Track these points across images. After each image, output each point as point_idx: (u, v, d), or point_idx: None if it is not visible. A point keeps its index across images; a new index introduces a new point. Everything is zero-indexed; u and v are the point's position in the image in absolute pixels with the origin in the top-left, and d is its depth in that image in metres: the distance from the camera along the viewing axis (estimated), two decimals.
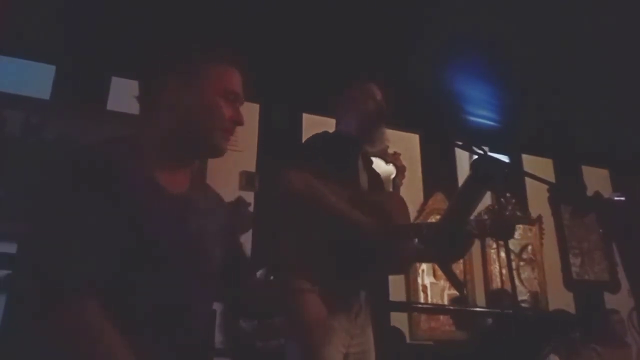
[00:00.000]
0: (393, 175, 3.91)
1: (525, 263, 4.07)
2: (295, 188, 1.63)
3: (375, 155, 3.71)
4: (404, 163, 3.95)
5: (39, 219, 0.90)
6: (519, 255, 4.05)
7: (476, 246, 3.90)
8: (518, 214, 4.16)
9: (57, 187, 0.92)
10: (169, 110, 1.05)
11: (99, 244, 0.86)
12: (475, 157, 1.52)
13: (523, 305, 3.79)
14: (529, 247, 4.14)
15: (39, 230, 0.89)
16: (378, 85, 1.91)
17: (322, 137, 1.84)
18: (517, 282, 3.86)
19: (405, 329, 3.47)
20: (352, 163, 1.85)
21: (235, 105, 1.09)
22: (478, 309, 3.70)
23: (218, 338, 2.86)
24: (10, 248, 1.18)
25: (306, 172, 1.65)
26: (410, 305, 3.59)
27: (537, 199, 4.30)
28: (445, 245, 1.58)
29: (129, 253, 0.88)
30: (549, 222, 4.29)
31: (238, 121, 1.09)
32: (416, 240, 1.73)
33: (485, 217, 3.75)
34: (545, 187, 4.00)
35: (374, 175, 1.95)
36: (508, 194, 4.09)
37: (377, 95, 1.88)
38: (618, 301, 4.00)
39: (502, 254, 3.87)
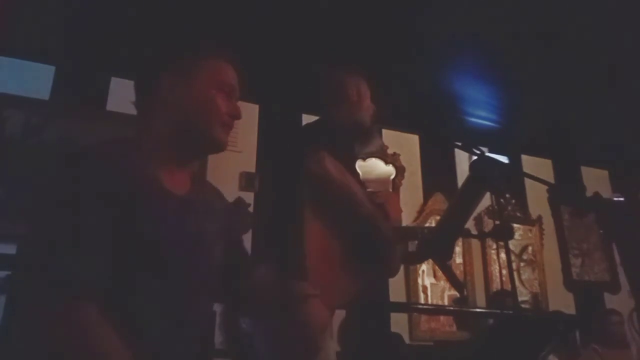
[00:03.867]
0: (392, 176, 3.91)
1: (526, 264, 4.07)
2: (328, 171, 1.54)
3: (371, 156, 3.72)
4: (404, 164, 3.95)
5: (39, 221, 0.90)
6: (519, 256, 4.05)
7: (476, 247, 3.90)
8: (518, 214, 4.16)
9: (56, 189, 0.91)
10: (165, 109, 1.05)
11: (98, 246, 0.85)
12: (475, 157, 1.52)
13: (523, 306, 3.79)
14: (529, 248, 4.14)
15: (38, 232, 0.88)
16: (371, 84, 1.84)
17: (326, 126, 1.76)
18: (517, 282, 3.86)
19: (405, 329, 3.47)
20: (349, 160, 1.79)
21: (231, 98, 1.09)
22: (478, 310, 3.70)
23: (218, 338, 2.86)
24: (10, 249, 1.18)
25: (334, 155, 1.57)
26: (410, 306, 3.59)
27: (537, 199, 4.30)
28: (445, 245, 1.58)
29: (129, 255, 0.88)
30: (549, 223, 4.29)
31: (235, 114, 1.08)
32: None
33: (485, 217, 3.77)
34: (545, 187, 4.01)
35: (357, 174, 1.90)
36: (508, 195, 4.08)
37: (368, 93, 1.79)
38: (618, 302, 4.00)
39: (503, 255, 3.86)
